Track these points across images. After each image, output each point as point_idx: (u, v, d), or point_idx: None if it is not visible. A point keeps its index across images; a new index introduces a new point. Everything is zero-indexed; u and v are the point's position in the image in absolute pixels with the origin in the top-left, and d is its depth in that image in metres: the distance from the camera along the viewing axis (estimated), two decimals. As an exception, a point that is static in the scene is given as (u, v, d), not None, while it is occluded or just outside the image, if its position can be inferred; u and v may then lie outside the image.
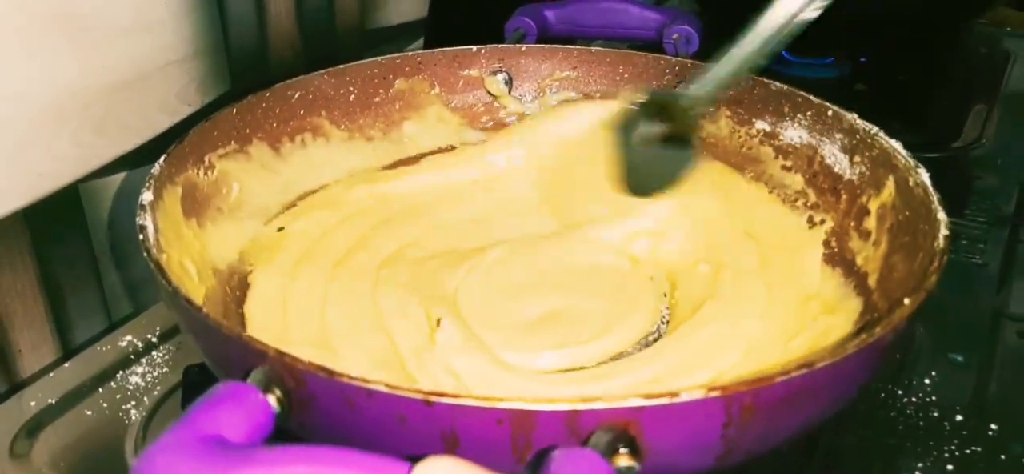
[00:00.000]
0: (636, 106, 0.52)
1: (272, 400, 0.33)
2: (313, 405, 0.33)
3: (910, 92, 0.85)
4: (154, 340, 0.55)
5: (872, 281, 0.49)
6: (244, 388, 0.31)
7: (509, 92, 0.65)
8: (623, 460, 0.31)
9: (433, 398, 0.32)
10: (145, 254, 0.40)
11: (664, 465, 0.34)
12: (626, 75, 0.64)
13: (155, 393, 0.51)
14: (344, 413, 0.33)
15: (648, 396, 0.32)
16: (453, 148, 0.65)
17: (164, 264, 0.40)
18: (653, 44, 0.75)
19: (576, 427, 0.32)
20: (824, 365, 0.34)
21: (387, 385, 0.32)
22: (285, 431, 0.34)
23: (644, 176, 0.54)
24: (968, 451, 0.47)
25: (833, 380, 0.35)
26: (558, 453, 0.29)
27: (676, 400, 0.32)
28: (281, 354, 0.33)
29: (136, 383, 0.52)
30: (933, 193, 0.46)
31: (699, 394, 0.32)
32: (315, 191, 0.59)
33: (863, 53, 0.87)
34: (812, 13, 0.45)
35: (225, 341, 0.35)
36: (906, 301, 0.38)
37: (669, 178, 0.53)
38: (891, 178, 0.50)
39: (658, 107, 0.52)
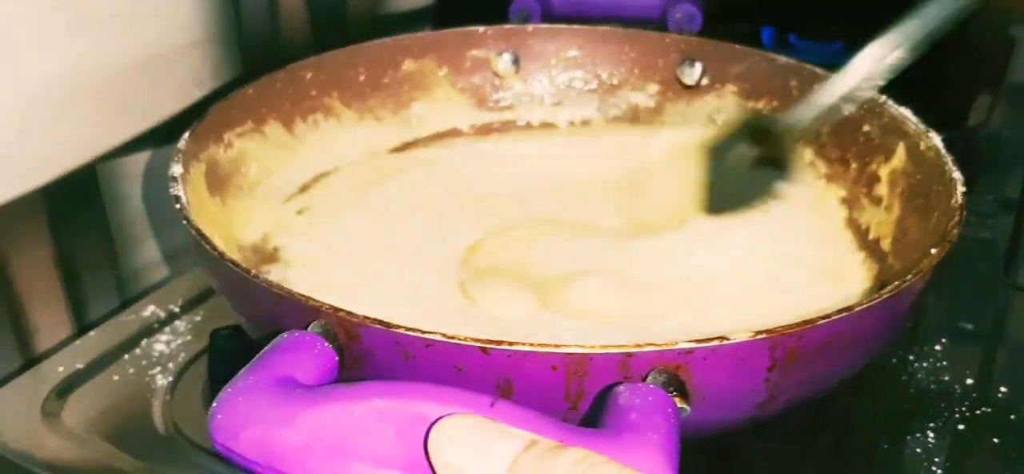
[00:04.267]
0: (736, 128, 0.53)
1: (336, 357, 0.33)
2: (368, 360, 0.34)
3: (917, 76, 0.87)
4: (176, 310, 0.56)
5: (886, 244, 0.50)
6: (309, 336, 0.32)
7: (516, 72, 0.66)
8: (676, 401, 0.32)
9: (490, 346, 0.32)
10: (185, 221, 0.41)
11: (709, 410, 0.35)
12: (632, 54, 0.65)
13: (180, 359, 0.52)
14: (399, 365, 0.33)
15: (698, 340, 0.33)
16: (458, 131, 0.65)
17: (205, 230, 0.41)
18: (657, 23, 0.76)
19: (629, 370, 0.32)
20: (862, 309, 0.35)
21: (444, 335, 0.33)
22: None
23: (729, 196, 0.53)
24: (978, 412, 0.49)
25: (870, 325, 0.36)
26: (624, 388, 0.30)
27: (725, 342, 0.33)
28: (335, 309, 0.34)
29: (160, 350, 0.53)
30: (946, 156, 0.47)
31: (747, 336, 0.33)
32: (328, 172, 0.60)
33: (871, 38, 0.89)
34: (910, 53, 0.48)
35: (275, 299, 0.35)
36: (933, 250, 0.39)
37: (755, 199, 0.53)
38: (901, 144, 0.51)
39: (756, 130, 0.52)
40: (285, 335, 0.32)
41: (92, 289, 0.65)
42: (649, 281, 0.49)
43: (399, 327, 0.33)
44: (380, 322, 0.33)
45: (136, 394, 0.50)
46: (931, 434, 0.48)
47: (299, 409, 0.27)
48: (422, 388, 0.27)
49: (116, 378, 0.51)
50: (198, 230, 0.40)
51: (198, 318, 0.55)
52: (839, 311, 0.34)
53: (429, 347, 0.33)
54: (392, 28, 0.83)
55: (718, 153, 0.52)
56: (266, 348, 0.31)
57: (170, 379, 0.51)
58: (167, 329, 0.55)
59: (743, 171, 0.50)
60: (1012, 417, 0.49)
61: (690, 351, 0.33)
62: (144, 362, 0.52)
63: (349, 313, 0.34)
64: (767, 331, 0.33)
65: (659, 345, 0.32)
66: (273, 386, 0.28)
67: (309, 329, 0.33)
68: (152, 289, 0.60)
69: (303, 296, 0.34)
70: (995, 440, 0.47)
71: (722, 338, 0.33)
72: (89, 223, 0.64)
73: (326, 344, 0.31)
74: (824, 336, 0.34)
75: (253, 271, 0.37)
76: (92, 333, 0.55)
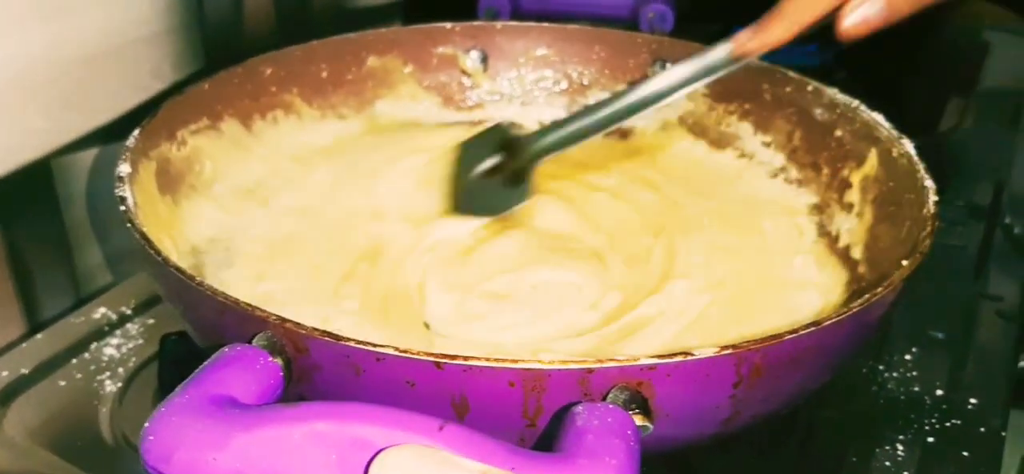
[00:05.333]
0: (482, 135, 0.52)
1: (281, 372, 0.32)
2: (316, 373, 0.32)
3: (891, 81, 0.87)
4: (128, 312, 0.54)
5: (857, 252, 0.49)
6: (252, 350, 0.30)
7: (484, 70, 0.65)
8: (638, 420, 0.31)
9: (444, 361, 0.31)
10: (128, 224, 0.39)
11: (673, 427, 0.33)
12: (602, 53, 0.64)
13: (131, 364, 0.50)
14: (349, 380, 0.32)
15: (661, 355, 0.31)
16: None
17: (150, 235, 0.39)
18: (628, 23, 0.75)
19: (589, 387, 0.31)
20: (830, 324, 0.34)
21: (396, 349, 0.31)
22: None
23: (474, 201, 0.52)
24: (948, 424, 0.48)
25: (837, 339, 0.35)
26: (582, 408, 0.28)
27: (689, 358, 0.31)
28: (283, 320, 0.32)
29: (111, 355, 0.51)
30: (918, 162, 0.46)
31: (712, 352, 0.32)
32: (289, 171, 0.58)
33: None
34: (678, 96, 0.48)
35: (220, 308, 0.33)
36: (904, 263, 0.38)
37: (497, 208, 0.51)
38: (873, 150, 0.50)
39: (502, 141, 0.51)
40: (226, 349, 0.30)
41: (46, 289, 0.63)
42: (620, 298, 0.48)
43: (349, 340, 0.31)
44: (329, 334, 0.32)
45: (83, 401, 0.48)
46: (900, 446, 0.47)
47: (234, 432, 0.25)
48: (365, 410, 0.26)
49: (63, 383, 0.49)
50: (143, 233, 0.38)
51: (151, 321, 0.53)
52: (806, 326, 0.33)
53: (380, 361, 0.31)
54: (360, 22, 0.81)
55: (464, 156, 0.52)
56: (206, 363, 0.29)
57: (119, 385, 0.49)
58: (118, 332, 0.53)
59: (487, 178, 0.50)
60: (982, 429, 0.48)
61: (653, 368, 0.31)
62: (93, 367, 0.50)
63: (297, 324, 0.32)
64: (732, 346, 0.32)
65: (620, 361, 0.31)
66: (209, 406, 0.26)
67: (255, 341, 0.32)
68: (107, 290, 0.58)
69: (249, 306, 0.33)
70: (965, 453, 0.46)
71: (686, 354, 0.31)
72: (42, 221, 0.63)
73: (270, 359, 0.30)
74: (791, 351, 0.33)
75: (198, 278, 0.35)
76: (39, 336, 0.53)
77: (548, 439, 0.29)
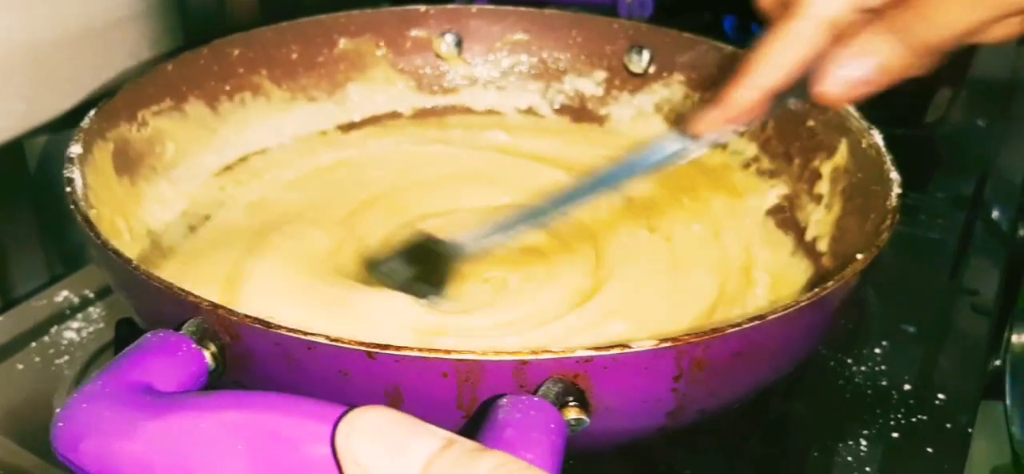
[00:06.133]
0: (397, 247, 0.47)
1: (206, 355, 0.31)
2: (249, 360, 0.32)
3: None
4: (91, 296, 0.54)
5: (823, 245, 0.48)
6: (174, 337, 0.29)
7: (459, 54, 0.64)
8: (572, 413, 0.30)
9: (376, 351, 0.30)
10: (72, 206, 0.38)
11: (614, 420, 0.33)
12: (578, 39, 0.63)
13: (90, 349, 0.50)
14: (282, 369, 0.31)
15: (598, 347, 0.31)
16: (399, 114, 0.63)
17: (93, 218, 0.38)
18: (607, 8, 0.74)
19: (524, 379, 0.30)
20: (775, 318, 0.33)
21: (328, 337, 0.30)
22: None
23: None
24: (914, 420, 0.47)
25: (784, 334, 0.34)
26: (506, 401, 0.28)
27: (627, 351, 0.31)
28: (215, 305, 0.32)
29: (71, 338, 0.51)
30: (886, 154, 0.45)
31: (650, 345, 0.31)
32: (255, 154, 0.57)
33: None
34: (591, 198, 0.44)
35: (155, 293, 0.33)
36: (858, 256, 0.37)
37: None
38: (844, 141, 0.49)
39: (418, 251, 0.47)
40: (149, 335, 0.29)
41: (17, 267, 0.63)
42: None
43: (280, 327, 0.31)
44: (260, 321, 0.31)
45: (40, 385, 0.48)
46: (864, 442, 0.46)
47: (143, 420, 0.24)
48: (275, 400, 0.25)
49: (21, 367, 0.49)
50: (84, 215, 0.38)
51: (113, 306, 0.53)
52: (750, 319, 0.32)
53: (312, 350, 0.31)
54: (346, 3, 0.80)
55: (374, 268, 0.47)
56: (126, 349, 0.28)
57: (77, 369, 0.48)
58: (79, 316, 0.53)
59: (396, 283, 0.45)
60: (948, 426, 0.47)
61: (589, 360, 0.31)
62: (52, 350, 0.50)
63: (229, 310, 0.31)
64: (672, 339, 0.31)
65: (556, 353, 0.30)
66: (123, 393, 0.26)
67: (184, 328, 0.31)
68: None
69: (182, 291, 0.32)
70: (929, 450, 0.46)
71: (623, 346, 0.31)
72: (17, 201, 0.62)
73: (193, 346, 0.29)
74: (734, 345, 0.32)
75: (136, 261, 0.34)
76: (0, 318, 0.52)
77: (475, 431, 0.28)
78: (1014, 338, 0.59)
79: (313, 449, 0.24)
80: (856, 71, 0.35)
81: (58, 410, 0.26)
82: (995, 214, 0.68)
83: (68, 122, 0.61)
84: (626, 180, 0.44)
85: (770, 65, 0.37)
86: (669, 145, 0.42)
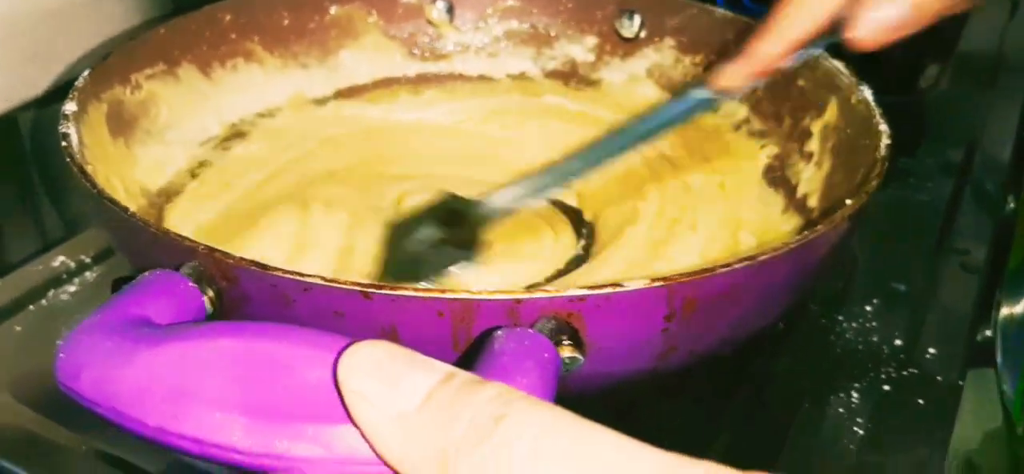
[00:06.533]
0: (425, 209, 0.47)
1: (205, 301, 0.32)
2: (246, 304, 0.32)
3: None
4: (87, 260, 0.54)
5: (813, 201, 0.49)
6: (173, 276, 0.30)
7: (450, 21, 0.64)
8: (566, 351, 0.31)
9: (372, 291, 0.31)
10: (68, 159, 0.39)
11: (606, 360, 0.33)
12: (569, 4, 0.63)
13: (87, 310, 0.49)
14: (279, 310, 0.32)
15: (591, 286, 0.31)
16: (391, 80, 0.63)
17: (89, 173, 0.39)
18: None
19: (518, 318, 0.31)
20: (765, 259, 0.33)
21: (323, 278, 0.31)
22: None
23: (414, 268, 0.45)
24: (905, 373, 0.48)
25: (773, 276, 0.35)
26: (502, 332, 0.28)
27: (619, 289, 0.31)
28: (211, 249, 0.32)
29: (67, 301, 0.51)
30: (875, 108, 0.46)
31: (642, 284, 0.31)
32: (248, 120, 0.58)
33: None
34: (630, 151, 0.44)
35: (151, 238, 0.33)
36: (847, 201, 0.38)
37: (439, 271, 0.45)
38: (834, 98, 0.50)
39: (448, 213, 0.46)
40: (147, 274, 0.30)
41: (12, 239, 0.63)
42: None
43: (277, 270, 0.31)
44: (256, 264, 0.31)
45: (38, 345, 0.48)
46: (855, 395, 0.46)
47: (140, 348, 0.25)
48: (271, 328, 0.25)
49: (19, 329, 0.49)
50: (81, 167, 0.38)
51: (108, 269, 0.53)
52: (740, 260, 0.33)
53: (308, 291, 0.31)
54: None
55: (402, 231, 0.46)
56: (126, 286, 0.29)
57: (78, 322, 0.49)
58: (76, 280, 0.53)
59: (425, 250, 0.44)
60: (938, 378, 0.48)
61: (582, 299, 0.31)
62: (50, 313, 0.50)
63: (225, 254, 0.32)
64: (663, 278, 0.32)
65: (549, 292, 0.31)
66: (121, 326, 0.26)
67: (182, 268, 0.31)
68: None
69: (178, 235, 0.33)
70: (920, 401, 0.46)
71: (616, 285, 0.31)
72: (11, 175, 0.62)
73: (191, 285, 0.29)
74: (724, 285, 0.33)
75: (132, 209, 0.35)
76: (-1, 282, 0.52)
77: (470, 363, 0.28)
78: (1003, 301, 0.60)
79: (313, 373, 0.24)
80: (892, 12, 0.35)
81: (59, 344, 0.26)
82: (983, 182, 0.68)
83: (61, 95, 0.61)
84: (650, 136, 0.45)
85: (801, 16, 0.37)
86: (693, 97, 0.43)
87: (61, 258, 0.54)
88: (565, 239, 0.50)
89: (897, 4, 0.35)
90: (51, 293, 0.52)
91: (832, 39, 0.38)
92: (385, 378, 0.24)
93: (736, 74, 0.41)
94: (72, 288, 0.52)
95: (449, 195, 0.47)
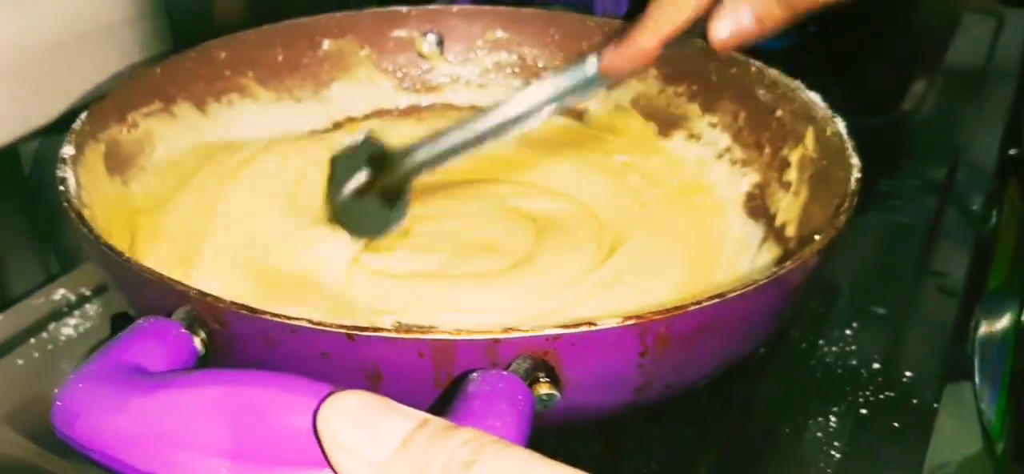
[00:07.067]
0: (354, 147, 0.48)
1: (196, 341, 0.33)
2: (236, 344, 0.34)
3: (857, 61, 0.87)
4: (87, 294, 0.55)
5: (791, 231, 0.50)
6: (165, 322, 0.31)
7: (441, 53, 0.66)
8: (543, 388, 0.32)
9: (355, 333, 0.32)
10: (65, 204, 0.40)
11: (584, 395, 0.34)
12: (556, 36, 0.65)
13: (88, 343, 0.51)
14: (266, 352, 0.33)
15: (565, 325, 0.32)
16: (384, 112, 0.65)
17: (86, 217, 0.40)
18: (583, 6, 0.76)
19: (496, 357, 0.32)
20: (735, 296, 0.35)
21: (309, 321, 0.32)
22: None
23: (350, 220, 0.49)
24: (882, 396, 0.49)
25: (745, 311, 0.36)
26: (476, 375, 0.30)
27: (593, 328, 0.32)
28: (202, 294, 0.33)
29: (68, 335, 0.52)
30: (848, 140, 0.47)
31: (615, 322, 0.33)
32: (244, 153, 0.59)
33: (814, 23, 0.88)
34: (548, 113, 0.45)
35: (145, 283, 0.35)
36: (816, 237, 0.39)
37: (374, 230, 0.48)
38: (810, 129, 0.51)
39: (376, 155, 0.47)
40: (140, 321, 0.31)
41: (15, 271, 0.64)
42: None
43: (264, 313, 0.32)
44: (245, 307, 0.33)
45: (40, 379, 0.49)
46: (833, 418, 0.48)
47: (133, 396, 0.26)
48: (261, 377, 0.27)
49: (20, 363, 0.50)
50: (78, 212, 0.39)
51: (109, 301, 0.54)
52: (710, 297, 0.34)
53: (294, 333, 0.32)
54: (332, 4, 0.82)
55: (337, 170, 0.48)
56: (119, 334, 0.30)
57: (75, 364, 0.50)
58: (77, 313, 0.54)
59: (360, 197, 0.47)
60: (915, 401, 0.49)
61: (557, 337, 0.32)
62: (50, 346, 0.51)
63: (216, 298, 0.33)
64: (636, 316, 0.33)
65: (525, 331, 0.32)
66: (114, 374, 0.27)
67: (174, 315, 0.33)
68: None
69: (170, 280, 0.34)
70: (895, 424, 0.47)
71: (589, 324, 0.32)
72: (12, 206, 0.63)
73: (183, 331, 0.31)
74: (696, 322, 0.34)
75: (124, 254, 0.36)
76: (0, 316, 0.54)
77: (448, 403, 0.30)
78: (982, 319, 0.61)
79: (295, 420, 0.25)
80: (741, 21, 0.39)
81: (56, 392, 0.28)
82: (966, 200, 0.69)
83: (62, 126, 0.62)
84: (545, 107, 0.45)
85: (668, 14, 0.41)
86: (579, 73, 0.44)
87: (62, 291, 0.55)
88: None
89: (745, 15, 0.39)
90: (52, 327, 0.53)
91: (692, 41, 0.42)
92: (363, 427, 0.26)
93: (617, 57, 0.43)
94: (73, 321, 0.53)
95: (376, 139, 0.48)
